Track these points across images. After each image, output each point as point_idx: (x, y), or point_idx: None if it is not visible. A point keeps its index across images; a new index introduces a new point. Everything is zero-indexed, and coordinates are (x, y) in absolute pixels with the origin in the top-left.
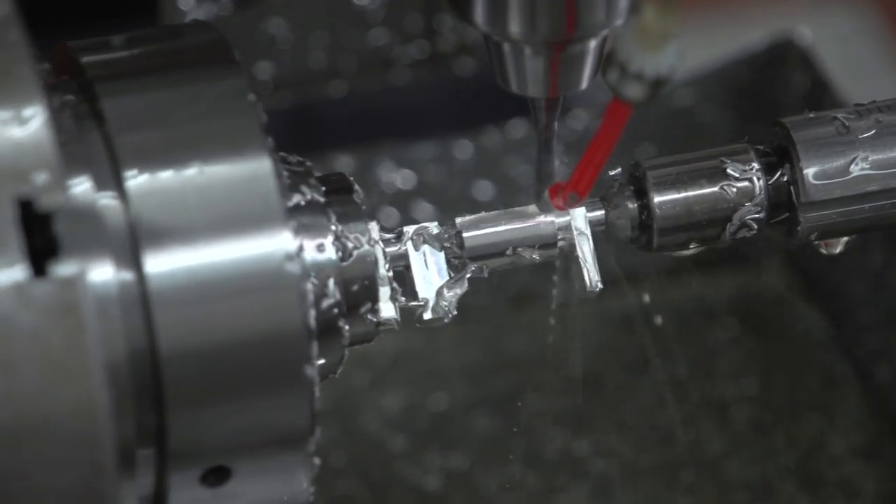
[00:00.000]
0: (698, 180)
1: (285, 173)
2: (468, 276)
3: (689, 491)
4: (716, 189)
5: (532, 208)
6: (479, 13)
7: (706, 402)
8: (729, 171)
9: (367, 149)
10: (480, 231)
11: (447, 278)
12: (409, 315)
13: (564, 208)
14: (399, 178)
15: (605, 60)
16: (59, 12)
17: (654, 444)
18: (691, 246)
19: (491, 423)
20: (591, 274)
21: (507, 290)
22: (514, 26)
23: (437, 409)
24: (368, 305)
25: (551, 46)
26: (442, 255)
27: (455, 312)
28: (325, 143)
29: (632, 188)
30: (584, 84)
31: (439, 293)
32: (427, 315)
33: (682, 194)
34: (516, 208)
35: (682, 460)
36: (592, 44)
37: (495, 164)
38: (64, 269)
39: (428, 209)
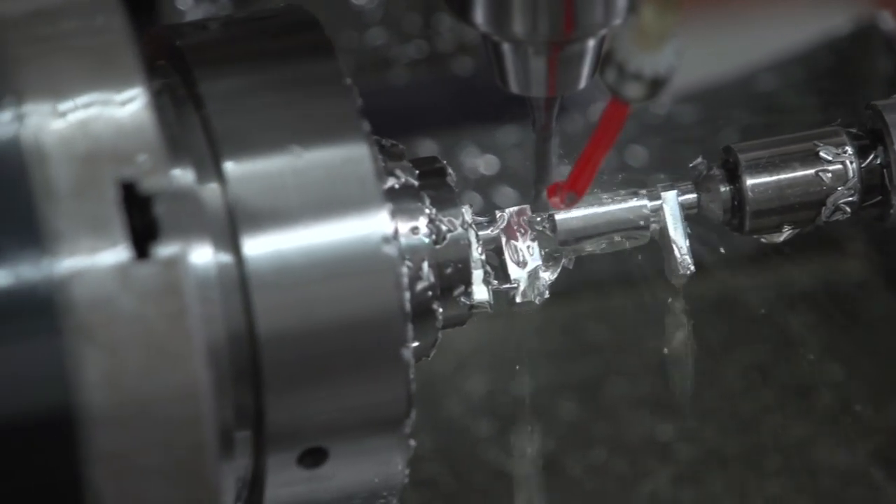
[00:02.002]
0: (790, 163)
1: (380, 157)
2: (563, 260)
3: (775, 476)
4: (808, 172)
5: (623, 192)
6: (479, 13)
7: (790, 387)
8: (822, 154)
9: (450, 134)
10: (572, 214)
11: (539, 261)
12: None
13: (563, 208)
14: (482, 163)
15: (604, 60)
16: None
17: (739, 430)
18: (784, 229)
19: (574, 408)
20: (683, 258)
21: (590, 274)
22: (514, 26)
23: (521, 394)
24: (462, 288)
25: (550, 46)
26: (534, 237)
27: (547, 295)
28: None
29: (724, 172)
30: (583, 83)
31: (532, 276)
32: (519, 298)
33: (775, 177)
34: (607, 193)
35: (767, 446)
36: (591, 43)
37: (578, 149)
38: (165, 250)
39: (510, 194)
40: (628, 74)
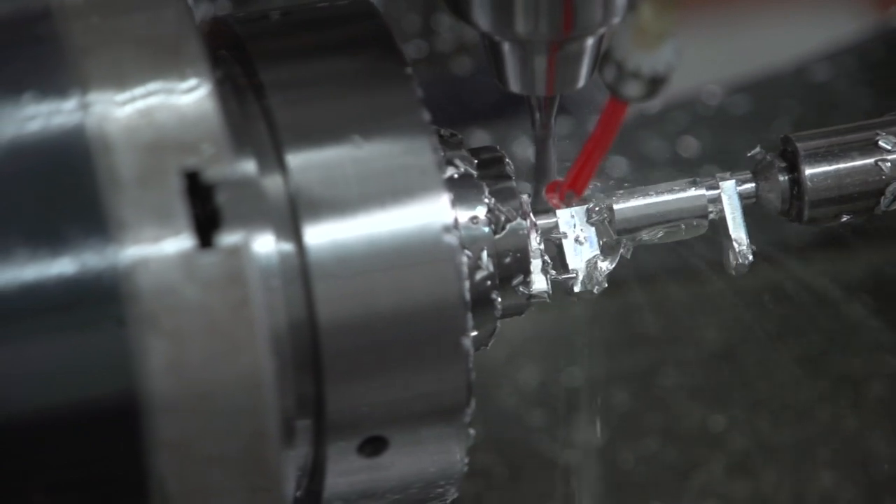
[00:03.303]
0: (849, 153)
1: (439, 146)
2: (620, 250)
3: (828, 467)
4: (867, 161)
5: (682, 182)
6: (479, 13)
7: (843, 377)
8: (881, 143)
9: (503, 125)
10: (630, 203)
11: (598, 251)
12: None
13: (561, 206)
14: (534, 153)
15: (602, 59)
16: None
17: (792, 420)
18: (843, 219)
19: (627, 398)
20: (741, 248)
21: (642, 264)
22: (514, 26)
23: (573, 385)
24: (520, 278)
25: (549, 45)
26: (593, 228)
27: (606, 285)
28: None
29: (783, 161)
30: (582, 82)
31: (591, 265)
32: (577, 287)
33: (834, 167)
34: (665, 183)
35: (820, 436)
36: (589, 42)
37: (629, 139)
38: (228, 239)
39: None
40: (627, 73)
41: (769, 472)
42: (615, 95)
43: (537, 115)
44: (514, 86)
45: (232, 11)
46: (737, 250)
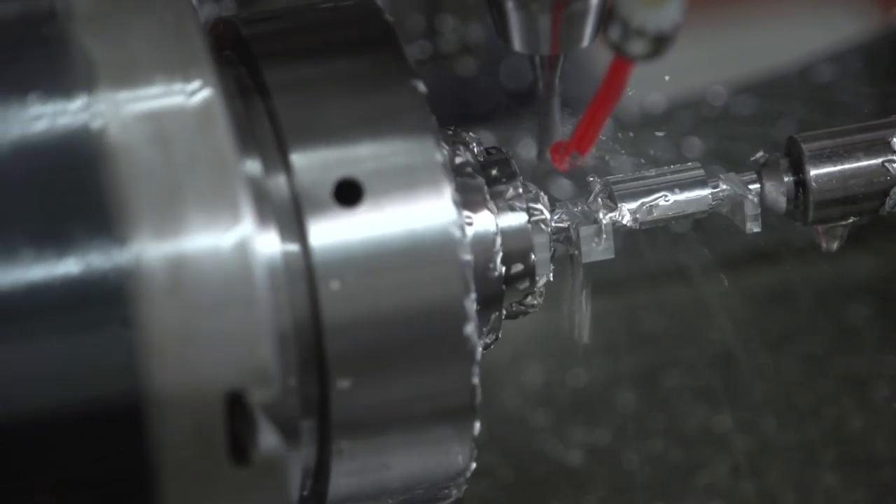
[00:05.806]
0: (854, 154)
1: (445, 146)
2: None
3: (832, 468)
4: (872, 162)
5: (688, 176)
6: None
7: (847, 378)
8: (894, 142)
9: (507, 125)
10: (636, 204)
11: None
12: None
13: (566, 167)
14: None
15: (607, 17)
16: None
17: (796, 421)
18: (850, 220)
19: (631, 399)
20: (751, 200)
21: (646, 265)
22: None
23: (577, 385)
24: (526, 279)
25: (553, 3)
26: (598, 212)
27: (611, 236)
28: None
29: (788, 162)
30: (586, 42)
31: (595, 228)
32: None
33: (839, 168)
34: (669, 172)
35: (824, 437)
36: (594, 0)
37: (633, 139)
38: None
39: (566, 185)
40: (632, 31)
41: (774, 472)
42: (620, 54)
43: (541, 76)
44: (519, 45)
45: (237, 12)
46: (747, 205)
